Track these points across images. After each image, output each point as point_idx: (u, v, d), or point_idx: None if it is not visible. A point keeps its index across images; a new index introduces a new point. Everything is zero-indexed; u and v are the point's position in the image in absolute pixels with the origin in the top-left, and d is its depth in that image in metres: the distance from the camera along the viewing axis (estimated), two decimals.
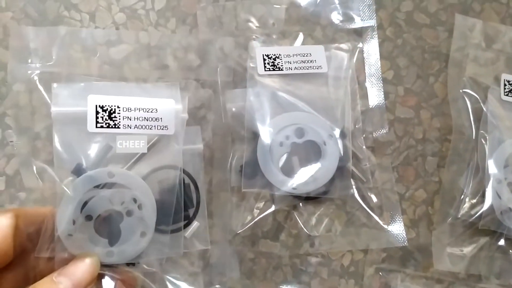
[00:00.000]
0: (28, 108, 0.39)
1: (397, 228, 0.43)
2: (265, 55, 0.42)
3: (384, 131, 0.44)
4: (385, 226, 0.43)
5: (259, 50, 0.43)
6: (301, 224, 0.42)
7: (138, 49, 0.42)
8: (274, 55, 0.42)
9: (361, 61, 0.45)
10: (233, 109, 0.43)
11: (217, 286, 0.41)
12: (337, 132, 0.42)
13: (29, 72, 0.37)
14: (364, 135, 0.44)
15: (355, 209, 0.43)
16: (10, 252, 0.32)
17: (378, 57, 0.45)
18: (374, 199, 0.43)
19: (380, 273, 0.43)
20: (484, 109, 0.44)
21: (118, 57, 0.42)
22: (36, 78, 0.37)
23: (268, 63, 0.42)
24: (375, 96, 0.45)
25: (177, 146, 0.36)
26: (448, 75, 0.46)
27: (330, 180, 0.41)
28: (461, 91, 0.45)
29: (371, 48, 0.45)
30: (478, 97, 0.44)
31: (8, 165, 0.42)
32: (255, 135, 0.41)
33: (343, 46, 0.44)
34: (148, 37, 0.43)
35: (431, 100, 0.46)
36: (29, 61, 0.38)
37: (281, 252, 0.43)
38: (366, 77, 0.45)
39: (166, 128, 0.36)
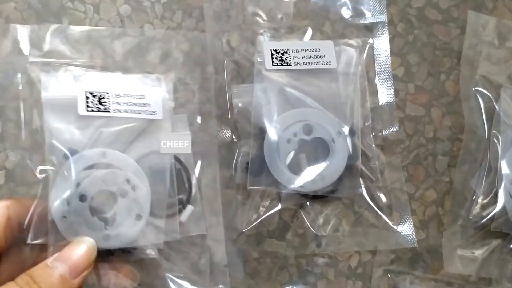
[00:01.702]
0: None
1: (407, 229, 0.42)
2: (273, 49, 0.41)
3: (394, 129, 0.43)
4: (394, 227, 0.42)
5: (267, 44, 0.41)
6: (308, 223, 0.41)
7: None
8: (282, 49, 0.41)
9: (371, 57, 0.44)
10: (240, 105, 0.41)
11: (220, 286, 0.39)
12: (346, 130, 0.41)
13: (23, 63, 0.37)
14: (373, 133, 0.43)
15: (363, 209, 0.42)
16: (1, 243, 0.31)
17: (389, 53, 0.44)
18: (383, 198, 0.42)
19: (389, 275, 0.42)
20: (496, 108, 0.43)
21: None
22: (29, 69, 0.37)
23: (276, 58, 0.41)
24: (385, 93, 0.44)
25: (166, 131, 0.37)
26: (460, 73, 0.44)
27: (338, 178, 0.40)
28: (473, 89, 0.44)
29: (382, 44, 0.44)
30: (490, 96, 0.43)
31: (7, 159, 0.41)
32: (262, 132, 0.40)
33: (353, 42, 0.43)
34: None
35: (442, 98, 0.45)
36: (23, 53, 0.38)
37: (286, 252, 0.42)
38: (376, 73, 0.44)
39: (155, 113, 0.37)
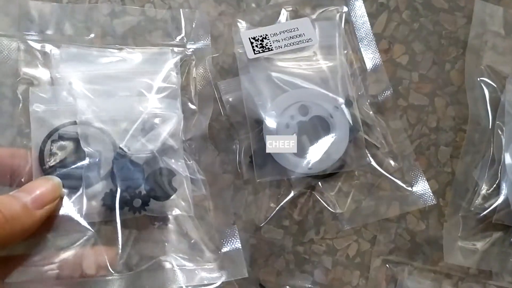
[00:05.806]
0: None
1: (422, 188, 0.41)
2: (252, 37, 0.40)
3: (388, 92, 0.42)
4: (409, 188, 0.41)
5: (244, 34, 0.41)
6: (323, 203, 0.40)
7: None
8: (261, 36, 0.41)
9: (350, 25, 0.43)
10: (230, 100, 0.41)
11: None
12: (341, 102, 0.40)
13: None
14: (369, 100, 0.42)
15: (375, 177, 0.41)
16: None
17: (366, 17, 0.43)
18: (392, 163, 0.41)
19: (387, 265, 0.41)
20: (501, 99, 0.42)
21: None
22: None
23: (257, 46, 0.40)
24: (371, 58, 0.43)
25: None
26: (465, 62, 0.44)
27: (345, 152, 0.39)
28: (478, 79, 0.43)
29: (357, 9, 0.43)
30: (495, 86, 0.43)
31: None
32: (259, 122, 0.40)
33: (329, 13, 0.43)
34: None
35: (446, 87, 0.44)
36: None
37: (284, 239, 0.41)
38: (358, 40, 0.43)
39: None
